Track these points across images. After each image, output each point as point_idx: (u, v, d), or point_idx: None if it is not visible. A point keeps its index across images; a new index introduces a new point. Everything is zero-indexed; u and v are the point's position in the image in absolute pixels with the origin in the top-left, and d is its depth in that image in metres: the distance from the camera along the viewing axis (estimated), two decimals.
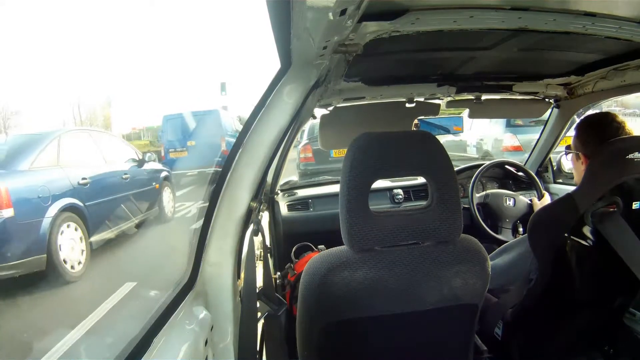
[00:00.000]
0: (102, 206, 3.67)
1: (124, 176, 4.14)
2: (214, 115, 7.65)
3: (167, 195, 4.84)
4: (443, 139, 7.09)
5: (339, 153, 5.60)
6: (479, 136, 6.47)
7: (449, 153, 0.78)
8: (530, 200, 1.90)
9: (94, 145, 4.04)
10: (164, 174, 4.94)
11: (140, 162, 4.54)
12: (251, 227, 1.00)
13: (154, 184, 4.60)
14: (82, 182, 3.54)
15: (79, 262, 3.26)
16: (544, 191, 1.94)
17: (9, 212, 2.88)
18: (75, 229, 3.34)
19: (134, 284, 2.93)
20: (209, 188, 0.99)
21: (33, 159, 3.33)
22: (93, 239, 3.44)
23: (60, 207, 3.22)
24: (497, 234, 1.84)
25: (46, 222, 3.09)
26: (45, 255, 3.01)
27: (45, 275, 2.98)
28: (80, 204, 3.43)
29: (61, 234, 3.18)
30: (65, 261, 3.12)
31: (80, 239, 3.35)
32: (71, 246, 3.23)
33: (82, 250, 3.32)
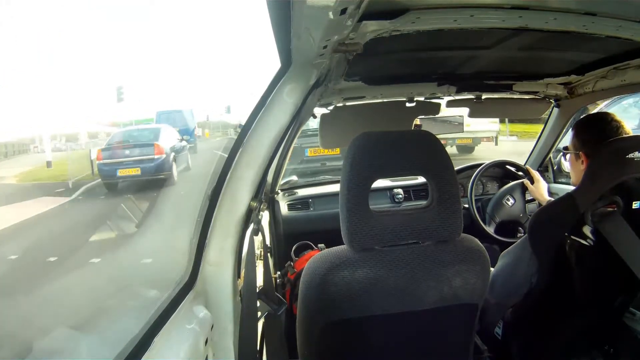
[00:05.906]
0: (179, 158, 8.22)
1: (181, 144, 8.90)
2: (187, 112, 12.73)
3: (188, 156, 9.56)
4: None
5: (315, 152, 5.65)
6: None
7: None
8: (522, 183, 1.86)
9: (170, 131, 8.92)
10: (189, 146, 9.64)
11: (181, 140, 9.01)
12: (251, 226, 0.99)
13: (186, 151, 9.23)
14: (177, 144, 8.49)
15: (175, 177, 7.80)
16: (535, 173, 1.85)
17: (163, 156, 7.49)
18: (176, 165, 7.91)
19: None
20: (209, 187, 0.99)
21: (161, 137, 8.09)
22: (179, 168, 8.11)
23: (173, 156, 7.82)
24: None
25: (171, 160, 7.68)
26: (171, 172, 7.55)
27: (168, 179, 7.44)
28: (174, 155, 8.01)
29: (174, 164, 7.79)
30: (175, 176, 7.66)
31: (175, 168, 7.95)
32: (175, 172, 7.78)
33: (176, 174, 7.79)
